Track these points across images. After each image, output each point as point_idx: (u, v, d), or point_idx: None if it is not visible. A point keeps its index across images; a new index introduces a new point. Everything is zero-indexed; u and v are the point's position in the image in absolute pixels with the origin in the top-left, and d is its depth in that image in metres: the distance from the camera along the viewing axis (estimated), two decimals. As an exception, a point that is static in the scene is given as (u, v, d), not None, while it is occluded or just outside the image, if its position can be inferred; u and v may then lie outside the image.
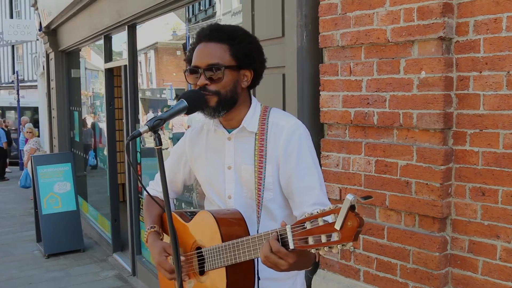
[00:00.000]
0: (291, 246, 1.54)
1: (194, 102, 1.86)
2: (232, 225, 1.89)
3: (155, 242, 2.07)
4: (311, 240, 1.48)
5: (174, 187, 2.29)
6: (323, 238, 1.44)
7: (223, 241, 1.83)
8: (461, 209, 2.53)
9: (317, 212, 1.47)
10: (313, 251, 1.49)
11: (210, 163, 2.08)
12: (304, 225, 1.50)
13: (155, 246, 2.05)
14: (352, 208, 1.38)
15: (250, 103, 2.03)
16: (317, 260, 1.79)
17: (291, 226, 1.54)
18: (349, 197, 1.36)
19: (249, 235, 1.84)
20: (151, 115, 6.47)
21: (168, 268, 1.96)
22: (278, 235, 1.59)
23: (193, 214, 2.15)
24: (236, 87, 1.93)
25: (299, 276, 2.10)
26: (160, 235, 2.13)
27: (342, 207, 1.38)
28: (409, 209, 2.66)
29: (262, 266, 1.86)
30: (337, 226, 1.39)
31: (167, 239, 2.15)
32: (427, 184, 2.56)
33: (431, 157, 2.54)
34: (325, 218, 1.45)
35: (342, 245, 1.41)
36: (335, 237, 1.42)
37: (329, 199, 3.02)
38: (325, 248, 1.45)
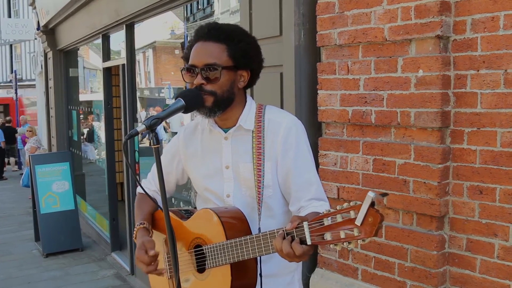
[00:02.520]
0: (308, 242, 1.57)
1: (191, 101, 1.85)
2: (235, 223, 1.89)
3: (140, 239, 2.05)
4: (329, 236, 1.52)
5: (166, 186, 2.27)
6: (342, 234, 1.49)
7: (227, 238, 1.83)
8: (459, 208, 2.53)
9: (336, 208, 1.51)
10: (331, 246, 1.52)
11: (206, 163, 2.07)
12: (322, 221, 1.54)
13: (138, 242, 2.02)
14: (372, 204, 1.42)
15: (246, 103, 2.03)
16: None
17: (308, 222, 1.57)
18: (371, 194, 1.41)
19: (251, 232, 1.85)
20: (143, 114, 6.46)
21: (146, 261, 1.93)
22: (294, 236, 1.61)
23: (188, 212, 2.14)
24: (232, 87, 1.93)
25: (297, 271, 2.11)
26: (149, 232, 2.12)
27: (364, 204, 1.43)
28: (407, 208, 2.66)
29: (263, 263, 1.87)
30: (358, 222, 1.44)
31: (158, 236, 2.14)
32: (425, 182, 2.56)
33: (428, 156, 2.54)
34: (344, 214, 1.48)
35: (362, 240, 1.46)
36: (355, 232, 1.46)
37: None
38: (344, 243, 1.49)
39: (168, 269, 2.07)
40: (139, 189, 2.33)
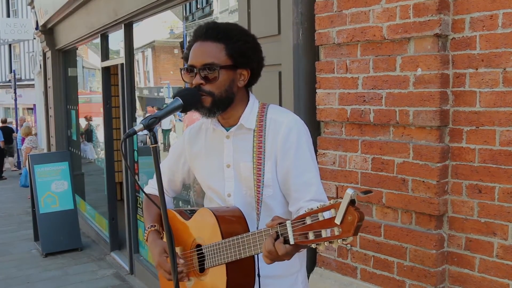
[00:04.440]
0: (291, 242, 1.55)
1: (189, 100, 1.85)
2: (232, 222, 1.89)
3: (155, 242, 2.07)
4: (311, 235, 1.49)
5: (173, 186, 2.29)
6: (323, 233, 1.46)
7: (223, 238, 1.83)
8: (458, 207, 2.53)
9: (317, 207, 1.48)
10: (313, 246, 1.50)
11: (209, 162, 2.07)
12: (304, 220, 1.51)
13: (156, 246, 2.04)
14: (352, 202, 1.39)
15: (248, 101, 2.02)
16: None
17: (291, 221, 1.55)
18: (349, 192, 1.37)
19: (249, 232, 1.84)
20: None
21: (167, 269, 1.95)
22: (279, 234, 1.60)
23: (192, 212, 2.14)
24: (231, 87, 1.92)
25: (301, 272, 2.10)
26: (160, 233, 2.13)
27: (342, 202, 1.39)
28: (405, 207, 2.65)
29: (262, 263, 1.85)
30: (338, 221, 1.41)
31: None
32: (423, 181, 2.56)
33: (427, 155, 2.54)
34: (325, 213, 1.46)
35: (343, 239, 1.42)
36: (335, 231, 1.43)
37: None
38: (325, 243, 1.46)
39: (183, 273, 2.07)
40: (147, 189, 2.33)
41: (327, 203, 1.46)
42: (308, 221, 1.49)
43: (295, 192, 1.93)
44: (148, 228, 2.13)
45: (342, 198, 1.42)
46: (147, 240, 2.12)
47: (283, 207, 2.00)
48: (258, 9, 3.41)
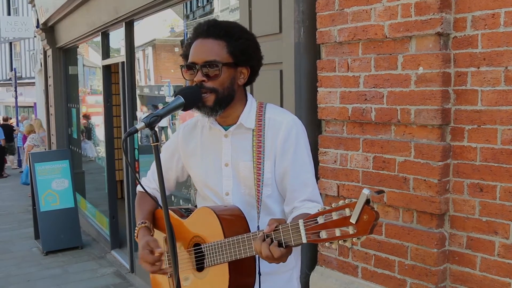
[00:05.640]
0: (304, 240, 1.57)
1: (191, 98, 1.85)
2: (233, 221, 1.89)
3: (143, 238, 2.05)
4: (324, 234, 1.51)
5: (166, 184, 2.28)
6: (337, 232, 1.48)
7: (225, 237, 1.82)
8: (459, 205, 2.53)
9: (331, 206, 1.50)
10: (326, 244, 1.52)
11: (206, 160, 2.07)
12: (316, 219, 1.53)
13: (140, 241, 2.03)
14: (367, 202, 1.42)
15: (246, 100, 2.02)
16: None
17: (303, 220, 1.56)
18: (365, 192, 1.40)
19: (249, 230, 1.84)
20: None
21: (150, 260, 1.92)
22: (273, 238, 1.64)
23: (188, 210, 2.14)
24: (233, 84, 1.92)
25: (296, 269, 2.12)
26: (150, 231, 2.12)
27: (358, 201, 1.42)
28: (407, 206, 2.65)
29: (263, 261, 1.86)
30: (353, 220, 1.44)
31: (158, 235, 2.14)
32: (425, 180, 2.56)
33: (429, 153, 2.54)
34: (339, 212, 1.48)
35: (357, 238, 1.45)
36: (350, 230, 1.45)
37: (326, 195, 3.03)
38: (339, 241, 1.48)
39: (168, 267, 2.07)
40: (139, 188, 2.32)
41: (340, 203, 1.48)
42: (321, 220, 1.51)
43: (291, 192, 1.95)
44: (139, 224, 2.12)
45: (346, 198, 1.45)
46: (137, 237, 2.11)
47: (280, 206, 2.02)
48: (259, 8, 3.40)
